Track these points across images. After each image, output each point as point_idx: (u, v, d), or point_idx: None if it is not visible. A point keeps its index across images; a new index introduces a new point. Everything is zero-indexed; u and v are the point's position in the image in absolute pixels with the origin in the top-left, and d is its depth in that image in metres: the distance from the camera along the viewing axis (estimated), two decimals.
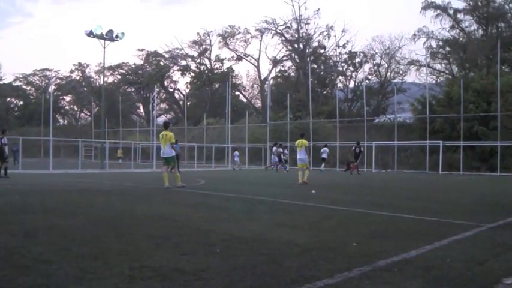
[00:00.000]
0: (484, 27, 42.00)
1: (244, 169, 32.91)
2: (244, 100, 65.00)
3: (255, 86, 63.91)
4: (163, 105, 70.36)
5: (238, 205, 8.92)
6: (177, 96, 68.86)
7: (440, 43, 44.25)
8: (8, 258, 4.07)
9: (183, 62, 64.29)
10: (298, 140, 16.38)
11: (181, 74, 65.33)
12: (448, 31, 43.72)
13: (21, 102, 73.04)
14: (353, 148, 26.37)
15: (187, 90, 65.14)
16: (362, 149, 26.80)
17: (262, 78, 60.29)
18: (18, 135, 28.81)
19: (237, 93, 62.84)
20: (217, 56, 62.91)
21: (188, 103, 59.56)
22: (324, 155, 28.88)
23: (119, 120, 52.95)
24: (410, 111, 38.10)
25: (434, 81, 44.33)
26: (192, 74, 64.35)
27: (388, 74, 51.83)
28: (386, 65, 51.70)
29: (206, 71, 62.79)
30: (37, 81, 73.42)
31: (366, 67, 51.23)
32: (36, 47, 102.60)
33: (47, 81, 71.27)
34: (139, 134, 51.40)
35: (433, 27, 44.72)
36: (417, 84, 45.30)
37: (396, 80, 50.62)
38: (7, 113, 67.24)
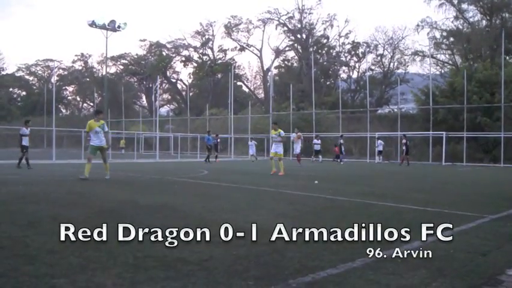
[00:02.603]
0: (488, 18, 41.64)
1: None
2: (247, 90, 64.87)
3: (257, 76, 63.82)
4: (165, 96, 70.34)
5: (241, 195, 8.92)
6: (179, 86, 68.79)
7: (444, 33, 43.97)
8: (12, 247, 4.08)
9: (186, 52, 64.13)
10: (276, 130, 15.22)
11: (184, 65, 65.27)
12: (452, 21, 43.44)
13: (24, 93, 73.07)
14: (403, 141, 27.05)
15: (190, 81, 65.06)
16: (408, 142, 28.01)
17: (265, 68, 60.16)
18: (21, 126, 28.81)
19: (239, 83, 62.70)
20: (220, 46, 62.76)
21: (191, 93, 59.51)
22: (380, 148, 30.26)
23: (122, 110, 52.98)
24: (414, 102, 37.98)
25: (437, 72, 44.14)
26: (195, 64, 64.19)
27: (392, 64, 51.64)
28: (390, 56, 51.51)
29: (209, 62, 62.59)
30: (40, 72, 73.40)
31: (369, 57, 51.06)
32: (38, 37, 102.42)
33: (49, 71, 71.26)
34: (142, 125, 51.49)
35: (436, 18, 44.45)
36: (420, 75, 45.13)
37: (399, 71, 50.50)
38: (10, 103, 67.23)
